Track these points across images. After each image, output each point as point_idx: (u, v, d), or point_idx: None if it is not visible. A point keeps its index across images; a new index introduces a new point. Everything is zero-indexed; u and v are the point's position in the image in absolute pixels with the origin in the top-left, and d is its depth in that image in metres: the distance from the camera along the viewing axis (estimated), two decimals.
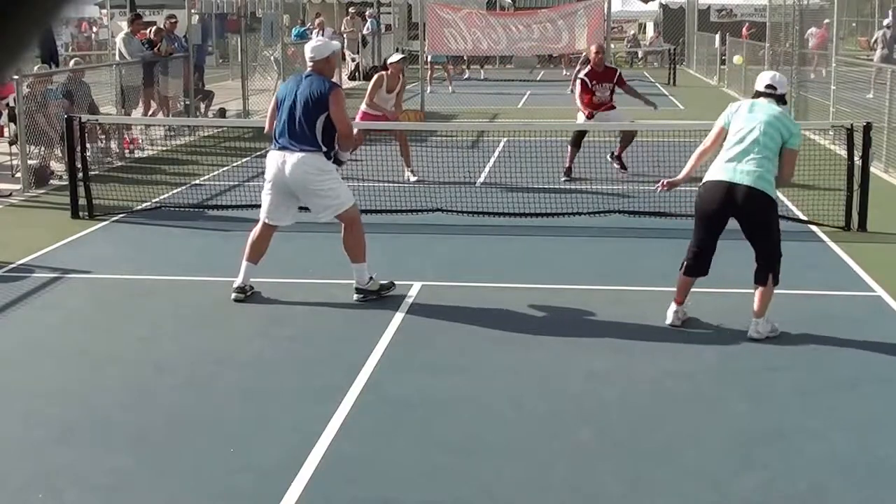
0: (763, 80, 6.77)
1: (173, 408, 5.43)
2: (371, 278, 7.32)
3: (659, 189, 7.04)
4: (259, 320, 6.94)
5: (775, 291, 7.70)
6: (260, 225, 7.42)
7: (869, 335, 6.55)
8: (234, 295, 7.27)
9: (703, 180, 6.56)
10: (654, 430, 5.14)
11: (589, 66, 12.65)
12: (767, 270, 6.54)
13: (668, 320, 6.67)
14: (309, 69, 7.24)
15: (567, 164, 12.27)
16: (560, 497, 4.44)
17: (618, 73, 12.68)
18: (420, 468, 4.69)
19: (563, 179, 12.03)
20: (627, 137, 12.40)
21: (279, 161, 7.10)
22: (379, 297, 7.28)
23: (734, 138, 6.47)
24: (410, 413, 5.33)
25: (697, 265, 6.62)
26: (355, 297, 7.27)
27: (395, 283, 7.50)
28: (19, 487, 4.54)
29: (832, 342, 6.44)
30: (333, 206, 7.20)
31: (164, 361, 6.15)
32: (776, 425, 5.17)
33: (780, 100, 6.64)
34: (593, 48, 13.03)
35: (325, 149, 7.05)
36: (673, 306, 6.70)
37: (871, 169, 9.88)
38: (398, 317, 6.90)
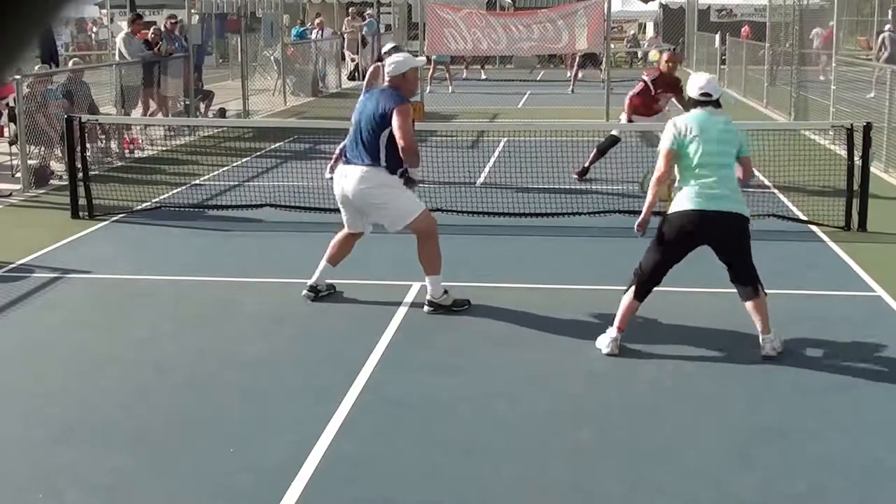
0: (696, 86, 6.36)
1: (173, 408, 5.43)
2: (446, 292, 7.06)
3: (639, 233, 6.40)
4: (259, 320, 6.94)
5: (776, 292, 7.71)
6: (344, 231, 7.31)
7: (868, 335, 6.55)
8: (304, 292, 7.18)
9: (676, 209, 6.17)
10: (654, 429, 5.14)
11: (657, 73, 11.54)
12: (752, 284, 6.19)
13: (606, 349, 6.17)
14: (386, 83, 7.08)
15: (586, 165, 11.95)
16: (560, 497, 4.44)
17: (680, 85, 11.29)
18: (420, 468, 4.70)
19: (573, 178, 11.84)
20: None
21: (342, 175, 6.99)
22: (449, 312, 6.99)
23: (696, 162, 6.13)
24: (410, 413, 5.34)
25: (647, 291, 6.26)
26: (426, 308, 7.02)
27: (394, 282, 7.49)
28: (19, 487, 4.54)
29: (832, 342, 6.44)
30: (399, 217, 6.99)
31: (164, 361, 6.15)
32: (775, 425, 5.17)
33: (717, 105, 6.34)
34: (665, 56, 11.75)
35: (386, 164, 6.83)
36: (614, 333, 6.21)
37: (871, 169, 9.88)
38: (398, 317, 6.90)
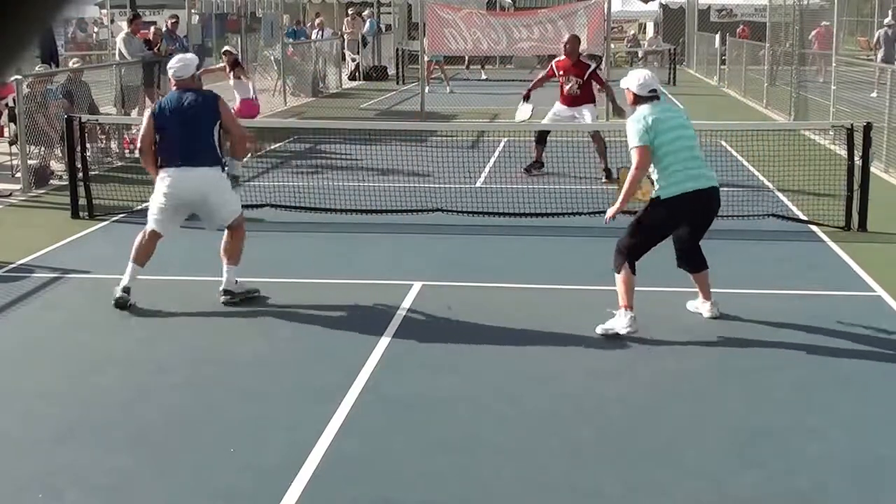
0: (642, 85, 6.52)
1: (173, 408, 5.43)
2: (237, 281, 7.33)
3: (608, 221, 6.74)
4: (259, 320, 6.94)
5: (776, 292, 7.72)
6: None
7: (868, 335, 6.55)
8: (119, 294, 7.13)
9: (674, 194, 6.40)
10: (654, 429, 5.14)
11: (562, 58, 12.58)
12: (702, 255, 6.70)
13: (626, 329, 6.36)
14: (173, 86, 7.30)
15: (536, 157, 12.57)
16: (559, 496, 4.44)
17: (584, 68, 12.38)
18: (420, 468, 4.70)
19: (524, 174, 12.38)
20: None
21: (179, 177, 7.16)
22: (243, 302, 7.24)
23: (673, 148, 6.43)
24: (410, 413, 5.34)
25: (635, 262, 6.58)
26: (223, 299, 7.23)
27: (394, 282, 7.49)
28: (19, 487, 4.54)
29: (832, 342, 6.44)
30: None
31: (164, 361, 6.15)
32: (775, 424, 5.17)
33: (658, 98, 6.63)
34: (567, 41, 12.70)
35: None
36: (629, 313, 6.40)
37: (872, 169, 9.88)
38: (398, 317, 6.90)
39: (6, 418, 5.35)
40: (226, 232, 7.37)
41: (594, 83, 12.48)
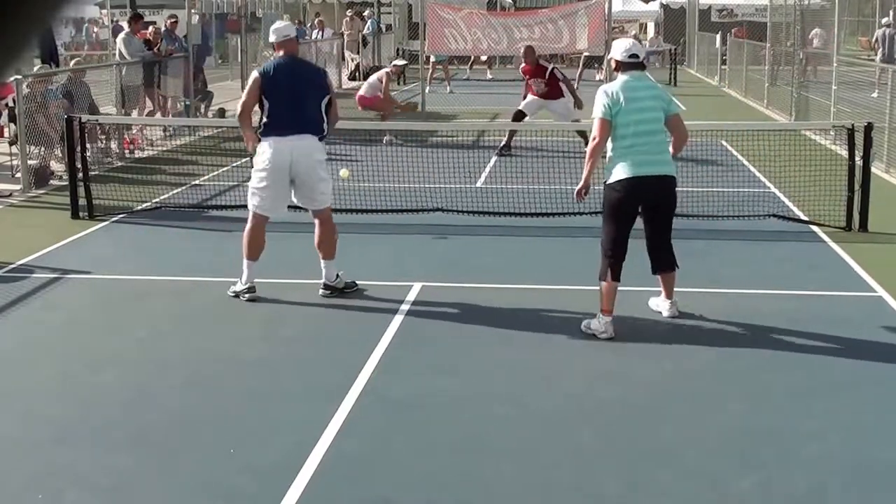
0: (622, 49, 6.43)
1: (173, 408, 5.42)
2: (338, 276, 7.41)
3: (579, 201, 6.73)
4: (259, 321, 6.94)
5: (777, 292, 7.71)
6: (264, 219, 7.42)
7: (869, 335, 6.55)
8: (248, 296, 7.21)
9: (617, 178, 6.31)
10: (654, 430, 5.14)
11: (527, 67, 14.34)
12: (672, 255, 6.60)
13: (605, 334, 6.36)
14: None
15: (506, 141, 13.88)
16: (560, 497, 4.44)
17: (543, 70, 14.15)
18: (420, 468, 4.69)
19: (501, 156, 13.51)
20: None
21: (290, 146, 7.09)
22: (342, 294, 7.34)
23: (632, 129, 6.29)
24: (410, 413, 5.33)
25: (620, 267, 6.42)
26: (322, 292, 7.34)
27: (394, 282, 7.50)
28: (19, 487, 4.54)
29: (832, 342, 6.44)
30: (328, 195, 7.43)
31: (165, 361, 6.15)
32: (775, 426, 5.17)
33: (643, 67, 6.53)
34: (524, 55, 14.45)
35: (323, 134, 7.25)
36: (605, 318, 6.38)
37: (872, 169, 9.87)
38: (398, 317, 6.90)
39: (6, 418, 5.34)
40: (317, 226, 7.37)
41: (560, 82, 14.18)
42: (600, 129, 6.32)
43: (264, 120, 7.14)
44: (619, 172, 6.32)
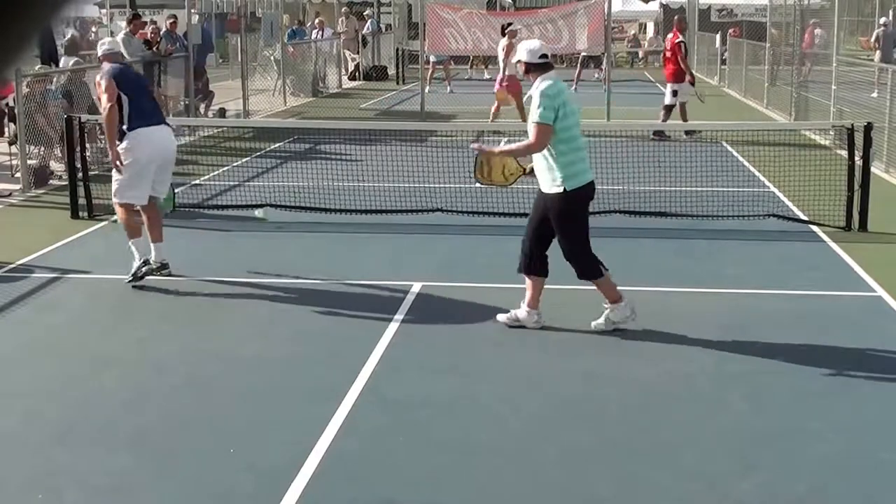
0: (532, 49, 6.28)
1: (173, 408, 5.42)
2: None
3: (474, 148, 6.74)
4: (259, 321, 6.94)
5: (777, 292, 7.71)
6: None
7: (869, 335, 6.55)
8: (144, 269, 7.58)
9: (582, 183, 6.27)
10: (653, 431, 5.13)
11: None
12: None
13: (628, 317, 6.44)
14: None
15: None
16: (558, 498, 4.44)
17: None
18: (419, 468, 4.69)
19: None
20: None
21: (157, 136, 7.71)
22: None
23: (576, 132, 6.26)
24: (410, 413, 5.33)
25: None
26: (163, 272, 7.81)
27: (394, 282, 7.50)
28: (19, 487, 4.54)
29: (832, 342, 6.43)
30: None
31: (164, 361, 6.15)
32: (775, 426, 5.16)
33: (552, 67, 6.42)
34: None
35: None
36: (620, 304, 6.45)
37: (872, 169, 9.87)
38: (398, 317, 6.90)
39: (6, 418, 5.34)
40: (148, 213, 7.85)
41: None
42: (545, 134, 6.12)
43: (127, 115, 7.62)
44: (582, 177, 6.28)
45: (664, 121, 15.41)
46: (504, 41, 16.54)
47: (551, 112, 6.09)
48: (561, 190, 6.25)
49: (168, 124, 7.99)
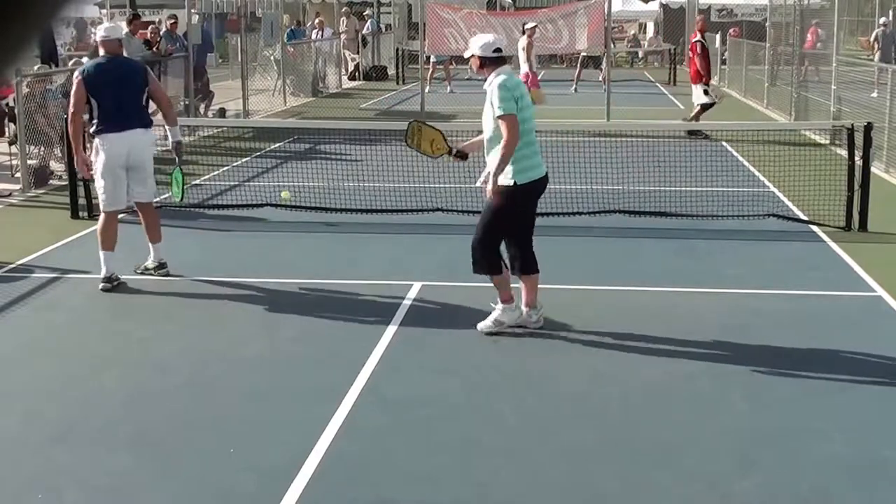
0: (487, 43, 6.20)
1: (173, 408, 5.42)
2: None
3: (487, 195, 6.45)
4: (259, 321, 6.93)
5: (777, 292, 7.70)
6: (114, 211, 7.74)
7: (869, 335, 6.54)
8: (101, 286, 7.46)
9: (531, 178, 6.21)
10: (654, 431, 5.13)
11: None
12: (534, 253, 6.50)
13: (515, 321, 6.42)
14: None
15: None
16: (558, 498, 4.44)
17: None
18: (419, 468, 4.69)
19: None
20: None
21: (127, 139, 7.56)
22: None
23: (531, 125, 6.21)
24: (410, 413, 5.33)
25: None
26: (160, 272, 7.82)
27: (394, 282, 7.50)
28: (19, 487, 4.54)
29: (832, 342, 6.44)
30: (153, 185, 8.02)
31: (165, 362, 6.15)
32: (777, 426, 5.16)
33: (506, 61, 6.36)
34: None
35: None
36: (510, 305, 6.45)
37: (872, 169, 9.87)
38: (398, 317, 6.89)
39: (6, 418, 5.34)
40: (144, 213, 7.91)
41: None
42: (514, 124, 6.04)
43: (95, 119, 7.54)
44: (532, 172, 6.23)
45: (697, 120, 15.40)
46: (524, 40, 16.64)
47: (512, 103, 6.05)
48: (511, 183, 6.19)
49: (146, 125, 7.76)
